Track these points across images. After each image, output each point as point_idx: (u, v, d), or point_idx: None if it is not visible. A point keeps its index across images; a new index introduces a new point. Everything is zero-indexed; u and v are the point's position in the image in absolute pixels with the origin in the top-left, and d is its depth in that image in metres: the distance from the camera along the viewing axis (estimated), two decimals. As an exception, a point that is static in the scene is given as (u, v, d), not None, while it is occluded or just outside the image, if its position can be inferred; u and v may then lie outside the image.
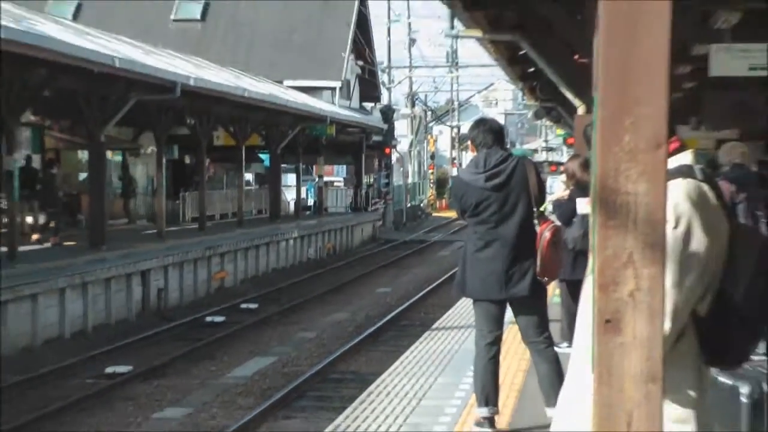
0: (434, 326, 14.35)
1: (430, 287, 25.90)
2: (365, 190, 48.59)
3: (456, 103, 71.01)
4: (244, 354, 18.00)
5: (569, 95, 18.23)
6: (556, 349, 8.15)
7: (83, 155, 29.09)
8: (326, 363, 16.66)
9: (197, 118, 28.58)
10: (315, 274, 30.42)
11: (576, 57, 13.96)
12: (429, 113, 70.15)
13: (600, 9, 2.60)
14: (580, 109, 16.45)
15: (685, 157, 3.97)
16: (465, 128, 49.56)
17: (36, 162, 27.61)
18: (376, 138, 48.82)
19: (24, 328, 17.40)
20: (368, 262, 34.87)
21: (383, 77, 58.48)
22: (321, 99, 42.71)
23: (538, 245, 7.74)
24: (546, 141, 79.23)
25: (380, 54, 57.53)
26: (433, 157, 71.84)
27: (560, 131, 51.82)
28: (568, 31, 11.57)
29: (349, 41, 49.95)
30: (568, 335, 10.30)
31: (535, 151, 68.91)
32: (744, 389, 4.28)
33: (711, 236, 3.84)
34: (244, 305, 23.35)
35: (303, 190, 42.23)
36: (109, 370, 16.12)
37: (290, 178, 41.23)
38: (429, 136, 71.17)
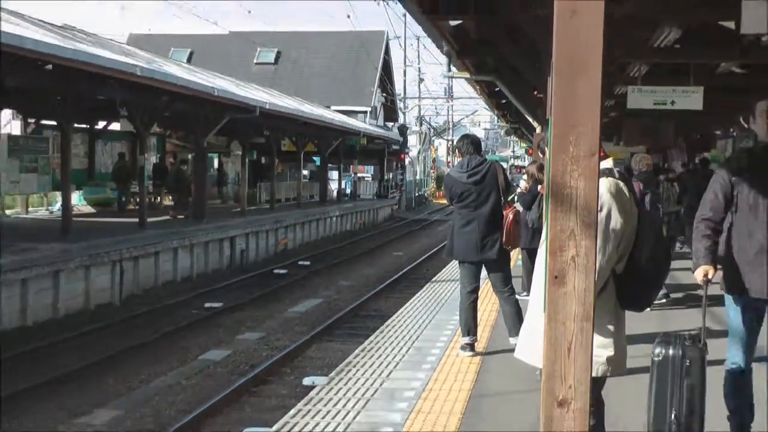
0: (433, 279, 14.34)
1: (431, 252, 25.86)
2: (386, 183, 48.55)
3: (451, 124, 70.85)
4: (300, 296, 18.05)
5: (530, 119, 18.24)
6: (517, 296, 8.21)
7: (191, 156, 29.08)
8: (357, 304, 16.72)
9: (270, 131, 28.57)
10: (351, 242, 30.42)
11: (535, 93, 13.94)
12: (431, 130, 70.03)
13: (552, 60, 2.63)
14: (538, 129, 16.46)
15: (608, 163, 4.08)
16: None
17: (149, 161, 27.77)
18: (394, 147, 48.70)
19: (149, 275, 17.55)
20: (387, 234, 34.82)
21: (400, 104, 58.45)
22: (356, 119, 42.63)
23: (504, 223, 7.85)
24: (513, 151, 79.33)
25: (398, 88, 57.58)
26: (434, 161, 71.86)
27: (523, 144, 51.72)
28: (530, 74, 11.55)
29: (377, 79, 49.94)
30: (527, 287, 10.33)
31: (507, 158, 68.55)
32: (656, 350, 4.29)
33: (625, 218, 3.92)
34: (300, 262, 23.36)
35: (343, 182, 42.15)
36: (207, 305, 16.23)
37: (334, 174, 41.15)
38: (431, 147, 71.13)
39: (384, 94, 53.21)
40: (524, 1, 10.05)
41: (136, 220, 19.97)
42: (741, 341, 4.72)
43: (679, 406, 4.17)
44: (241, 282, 19.51)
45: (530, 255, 10.26)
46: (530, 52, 11.05)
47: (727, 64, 14.08)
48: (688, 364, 4.20)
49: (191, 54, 48.36)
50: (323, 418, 6.10)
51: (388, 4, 48.15)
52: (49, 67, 14.70)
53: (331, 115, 35.59)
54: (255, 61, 49.37)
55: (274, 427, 6.03)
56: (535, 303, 4.10)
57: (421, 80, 61.30)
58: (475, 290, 7.97)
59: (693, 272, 4.69)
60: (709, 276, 4.57)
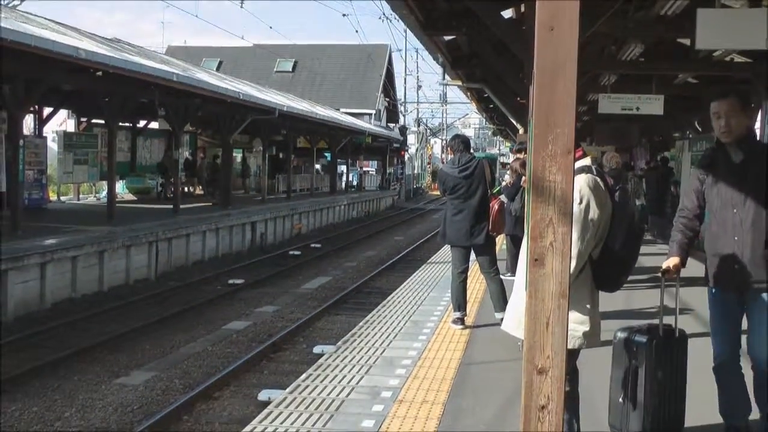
0: (428, 261, 14.30)
1: (427, 237, 25.82)
2: (388, 177, 48.50)
3: (445, 125, 70.76)
4: (312, 274, 17.98)
5: (514, 121, 18.12)
6: (501, 276, 8.15)
7: (219, 151, 29.06)
8: (361, 282, 16.65)
9: (287, 130, 28.53)
10: (356, 227, 30.33)
11: (518, 99, 13.89)
12: (428, 131, 69.92)
13: (534, 70, 2.60)
14: (521, 131, 16.37)
15: (586, 161, 4.00)
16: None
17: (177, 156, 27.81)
18: (395, 145, 48.62)
19: (181, 254, 17.49)
20: (389, 221, 34.75)
21: (401, 108, 58.39)
22: (363, 120, 42.55)
23: (491, 212, 7.80)
24: (499, 149, 79.26)
25: (399, 94, 57.51)
26: (430, 157, 71.65)
27: (508, 144, 51.61)
28: (514, 83, 11.48)
29: (381, 85, 49.82)
30: (511, 268, 10.27)
31: (496, 155, 68.41)
32: (618, 333, 4.23)
33: (601, 209, 3.85)
34: (312, 245, 23.29)
35: (350, 175, 42.11)
36: (231, 281, 16.17)
37: (343, 168, 41.14)
38: (428, 145, 70.95)
39: (387, 99, 53.13)
40: (508, 21, 9.98)
41: (171, 206, 19.94)
42: (723, 335, 4.37)
43: (627, 389, 4.13)
44: (261, 262, 19.44)
45: (513, 240, 10.23)
46: (513, 63, 10.98)
47: (683, 75, 14.05)
48: (634, 349, 4.14)
49: (220, 63, 48.31)
50: (330, 381, 6.05)
51: (391, 21, 48.13)
52: (100, 73, 14.73)
53: (340, 116, 35.52)
54: (275, 69, 49.29)
55: (288, 389, 5.98)
56: (519, 283, 4.04)
57: (419, 87, 61.46)
58: (465, 271, 7.90)
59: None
60: (671, 267, 4.31)
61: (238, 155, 33.78)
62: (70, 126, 25.35)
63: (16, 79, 13.58)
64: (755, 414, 4.42)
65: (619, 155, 12.05)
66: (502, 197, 9.28)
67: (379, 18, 71.88)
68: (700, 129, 17.63)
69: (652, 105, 12.96)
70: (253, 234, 21.91)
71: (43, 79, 14.05)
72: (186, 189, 27.03)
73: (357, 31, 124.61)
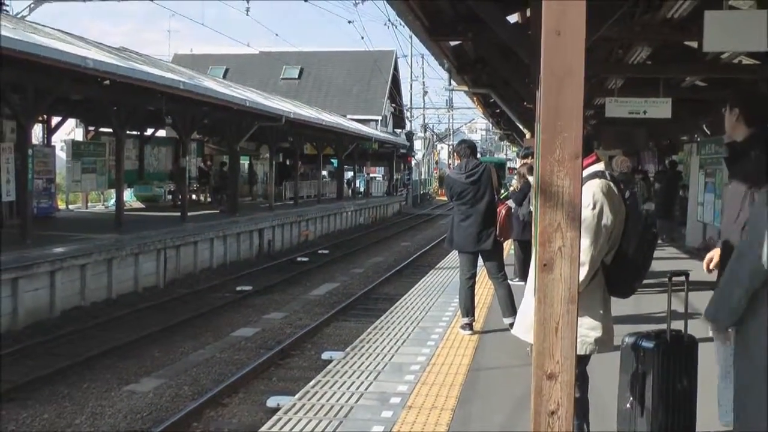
0: (436, 266, 14.30)
1: (434, 243, 25.79)
2: (395, 183, 48.49)
3: (451, 131, 70.74)
4: (319, 281, 17.99)
5: (521, 126, 18.10)
6: (509, 281, 8.14)
7: (225, 158, 29.12)
8: (369, 288, 16.63)
9: (294, 137, 28.57)
10: (364, 233, 30.31)
11: (525, 103, 13.86)
12: (434, 136, 69.93)
13: (541, 74, 2.59)
14: (527, 135, 16.37)
15: (600, 166, 4.00)
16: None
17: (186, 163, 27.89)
18: (402, 151, 48.60)
19: (189, 262, 17.51)
20: (396, 226, 34.73)
21: (407, 114, 58.46)
22: (369, 126, 42.55)
23: (498, 218, 7.78)
24: (506, 154, 79.17)
25: (405, 99, 57.50)
26: (436, 163, 71.61)
27: (515, 148, 51.52)
28: (520, 88, 11.45)
29: (387, 91, 49.79)
30: (519, 273, 10.26)
31: (504, 160, 68.29)
32: (626, 339, 4.21)
33: (614, 214, 3.84)
34: (320, 251, 23.30)
35: (357, 181, 42.12)
36: (239, 288, 16.19)
37: (349, 174, 41.15)
38: (434, 151, 70.93)
39: (393, 105, 53.11)
40: (514, 26, 9.97)
41: (179, 214, 19.97)
42: None
43: (634, 395, 4.10)
44: (268, 268, 19.46)
45: (521, 245, 10.21)
46: (520, 68, 10.94)
47: (691, 78, 14.00)
48: (642, 355, 4.11)
49: (226, 71, 48.34)
50: (339, 388, 6.04)
51: (396, 27, 48.20)
52: (107, 82, 14.78)
53: (346, 123, 35.53)
54: (281, 76, 49.32)
55: (297, 395, 5.97)
56: (530, 287, 4.04)
57: (425, 93, 61.30)
58: (473, 276, 7.89)
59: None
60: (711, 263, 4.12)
61: (245, 162, 33.85)
62: (78, 135, 25.43)
63: (25, 89, 13.65)
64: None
65: (628, 159, 12.01)
66: (510, 202, 9.27)
67: (385, 24, 71.88)
68: (708, 132, 17.57)
69: (660, 108, 12.90)
70: (261, 241, 21.92)
71: (51, 88, 14.12)
72: (195, 197, 27.13)
73: (363, 38, 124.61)
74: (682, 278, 4.22)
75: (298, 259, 21.33)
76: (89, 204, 25.62)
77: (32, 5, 24.13)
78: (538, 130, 2.70)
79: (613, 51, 12.42)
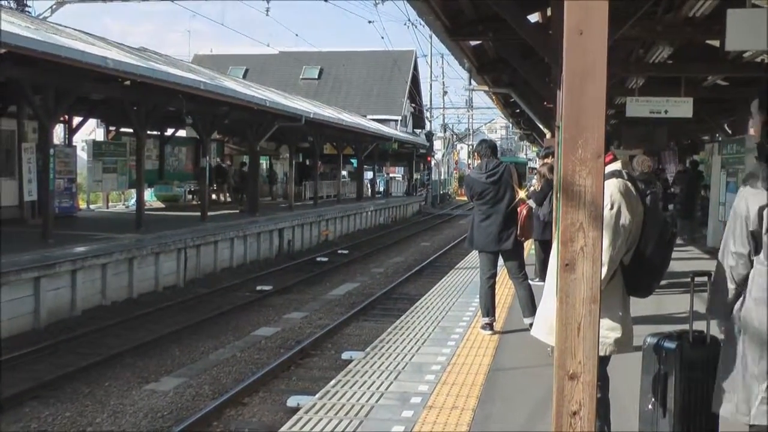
0: (456, 266, 14.27)
1: (454, 242, 25.74)
2: (414, 182, 48.48)
3: (471, 130, 70.62)
4: (339, 280, 18.01)
5: (541, 126, 18.04)
6: (530, 281, 8.11)
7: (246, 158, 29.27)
8: (389, 288, 16.62)
9: (314, 137, 28.65)
10: (383, 233, 30.30)
11: (545, 103, 13.81)
12: (454, 136, 69.84)
13: (562, 73, 2.59)
14: (548, 135, 16.30)
15: (617, 165, 3.98)
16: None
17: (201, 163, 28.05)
18: (422, 151, 48.58)
19: (209, 261, 17.61)
20: (416, 226, 34.69)
21: (427, 114, 58.42)
22: (389, 126, 42.58)
23: (519, 218, 7.76)
24: (526, 154, 78.95)
25: (425, 99, 57.46)
26: (456, 163, 71.53)
27: (535, 148, 51.35)
28: (541, 87, 11.42)
29: (407, 92, 49.84)
30: (539, 273, 10.23)
31: (525, 160, 68.01)
32: (647, 339, 4.18)
33: (632, 214, 3.83)
34: (340, 251, 23.32)
35: (377, 181, 42.15)
36: (259, 287, 16.24)
37: (369, 174, 41.18)
38: (454, 151, 70.85)
39: (413, 105, 53.12)
40: (534, 25, 9.94)
41: (199, 213, 20.08)
42: None
43: (656, 396, 4.07)
44: (288, 268, 19.50)
45: (541, 245, 10.18)
46: (540, 67, 10.93)
47: (713, 77, 13.90)
48: (663, 355, 4.09)
49: (246, 71, 48.53)
50: (360, 387, 6.05)
51: (416, 26, 48.15)
52: (128, 82, 14.88)
53: (366, 123, 35.59)
54: (301, 76, 49.51)
55: (317, 395, 5.99)
56: (549, 288, 4.03)
57: (445, 92, 61.19)
58: (493, 276, 7.88)
59: None
60: None
61: (264, 162, 33.99)
62: (99, 135, 25.69)
63: (47, 90, 13.79)
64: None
65: (649, 159, 11.94)
66: (530, 202, 9.25)
67: (405, 24, 71.93)
68: (729, 132, 17.43)
69: (681, 108, 12.82)
70: (281, 240, 22.00)
71: (72, 88, 14.25)
72: (215, 197, 27.26)
73: (383, 38, 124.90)
74: (705, 278, 4.20)
75: (318, 259, 21.36)
76: (110, 204, 25.85)
77: (54, 6, 24.40)
78: (560, 130, 2.70)
79: (634, 50, 12.36)
